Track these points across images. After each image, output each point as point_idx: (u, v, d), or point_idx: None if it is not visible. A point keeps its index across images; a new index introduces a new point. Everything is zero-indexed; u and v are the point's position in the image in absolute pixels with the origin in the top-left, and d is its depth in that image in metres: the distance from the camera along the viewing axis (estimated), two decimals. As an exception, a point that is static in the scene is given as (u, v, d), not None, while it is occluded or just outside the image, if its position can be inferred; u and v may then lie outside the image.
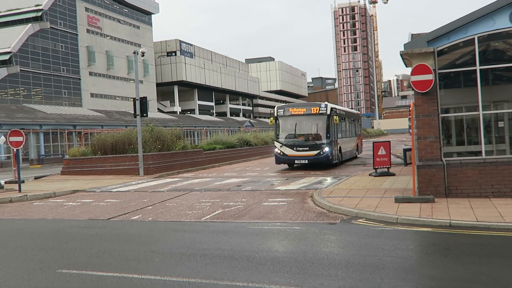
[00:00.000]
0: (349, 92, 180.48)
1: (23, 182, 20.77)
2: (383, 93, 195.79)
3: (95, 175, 25.70)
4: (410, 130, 15.63)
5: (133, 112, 24.86)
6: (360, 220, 10.50)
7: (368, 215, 10.74)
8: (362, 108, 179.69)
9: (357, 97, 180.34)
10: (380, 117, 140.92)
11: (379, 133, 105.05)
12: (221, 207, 13.17)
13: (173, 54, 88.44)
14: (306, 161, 23.46)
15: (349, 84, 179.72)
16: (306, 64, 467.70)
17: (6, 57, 58.37)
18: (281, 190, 16.25)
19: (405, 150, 22.32)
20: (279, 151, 23.85)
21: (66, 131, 50.37)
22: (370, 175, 18.92)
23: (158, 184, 20.28)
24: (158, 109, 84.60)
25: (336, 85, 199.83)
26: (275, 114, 24.19)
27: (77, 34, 67.72)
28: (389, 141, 19.59)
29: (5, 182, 21.87)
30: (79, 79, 67.99)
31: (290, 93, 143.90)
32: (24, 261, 8.07)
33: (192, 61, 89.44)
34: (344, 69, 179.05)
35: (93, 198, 16.65)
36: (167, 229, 10.54)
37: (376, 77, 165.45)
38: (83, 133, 45.34)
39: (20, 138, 19.21)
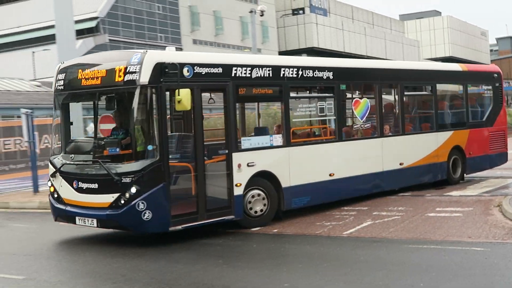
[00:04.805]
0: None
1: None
2: None
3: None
4: None
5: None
6: None
7: None
8: None
9: None
10: None
11: None
12: (371, 217, 13.32)
13: (301, 12, 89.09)
14: (94, 222, 12.21)
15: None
16: (487, 18, 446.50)
17: (93, 23, 61.77)
18: (454, 197, 15.93)
19: None
20: (52, 189, 13.36)
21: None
22: None
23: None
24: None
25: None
26: (53, 86, 13.73)
27: (176, -9, 70.71)
28: None
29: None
30: (181, 48, 71.00)
31: (464, 60, 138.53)
32: None
33: (326, 21, 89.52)
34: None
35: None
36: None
37: None
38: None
39: (111, 126, 20.83)
